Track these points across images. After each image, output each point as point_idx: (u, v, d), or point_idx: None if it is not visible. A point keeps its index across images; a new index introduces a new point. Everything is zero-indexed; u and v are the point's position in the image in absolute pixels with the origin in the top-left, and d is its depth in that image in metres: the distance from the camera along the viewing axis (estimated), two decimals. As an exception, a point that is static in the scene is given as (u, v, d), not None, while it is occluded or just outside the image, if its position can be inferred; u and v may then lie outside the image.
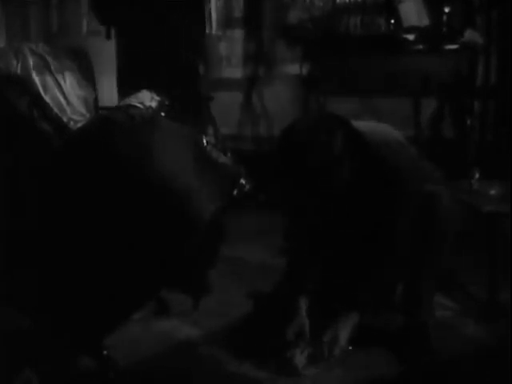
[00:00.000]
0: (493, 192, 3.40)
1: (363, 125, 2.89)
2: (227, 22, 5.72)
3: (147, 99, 3.37)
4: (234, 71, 5.91)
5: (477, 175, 3.45)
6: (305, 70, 5.07)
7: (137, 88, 3.49)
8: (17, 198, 3.15)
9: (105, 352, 2.79)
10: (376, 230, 2.82)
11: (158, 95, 3.40)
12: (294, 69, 5.33)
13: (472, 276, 3.57)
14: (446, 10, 4.92)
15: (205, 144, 3.14)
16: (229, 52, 5.90)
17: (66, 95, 4.57)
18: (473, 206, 3.32)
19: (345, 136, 2.71)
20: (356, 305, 2.89)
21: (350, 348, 2.87)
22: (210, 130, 4.98)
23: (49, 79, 4.52)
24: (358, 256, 2.89)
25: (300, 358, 2.77)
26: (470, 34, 4.80)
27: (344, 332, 2.86)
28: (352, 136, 2.75)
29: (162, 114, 3.38)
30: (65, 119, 4.45)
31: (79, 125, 4.28)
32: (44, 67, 4.52)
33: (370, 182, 2.77)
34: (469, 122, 4.94)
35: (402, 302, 2.97)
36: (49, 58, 4.58)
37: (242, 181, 3.10)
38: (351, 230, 2.86)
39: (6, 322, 2.95)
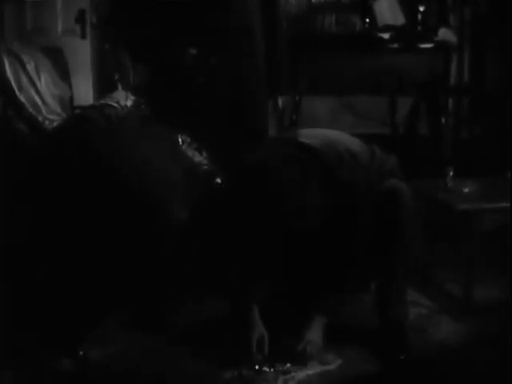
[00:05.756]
0: (466, 190, 3.42)
1: (314, 137, 2.87)
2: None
3: (122, 98, 3.36)
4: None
5: (451, 173, 3.47)
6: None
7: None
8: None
9: (81, 352, 2.79)
10: (338, 239, 2.82)
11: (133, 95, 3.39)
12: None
13: (449, 274, 3.59)
14: (421, 8, 4.95)
15: (180, 143, 3.14)
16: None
17: (41, 95, 4.55)
18: (447, 205, 3.34)
19: (311, 167, 2.73)
20: (322, 308, 2.89)
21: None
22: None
23: (24, 78, 4.50)
24: (322, 263, 2.89)
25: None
26: (443, 33, 4.83)
27: (318, 333, 2.86)
28: (316, 164, 2.75)
29: (138, 112, 3.37)
30: (40, 119, 4.43)
31: (55, 124, 4.27)
32: (19, 66, 4.51)
33: (327, 201, 2.76)
34: (443, 120, 4.97)
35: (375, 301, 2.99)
36: (24, 58, 4.56)
37: (218, 180, 3.10)
38: (313, 244, 2.85)
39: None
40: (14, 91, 4.40)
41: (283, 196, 2.66)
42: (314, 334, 2.84)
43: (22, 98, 4.43)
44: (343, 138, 2.98)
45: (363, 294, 3.07)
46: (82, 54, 5.34)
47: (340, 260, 2.83)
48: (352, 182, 2.79)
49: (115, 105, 3.28)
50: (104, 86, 4.99)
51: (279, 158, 2.74)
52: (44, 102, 4.56)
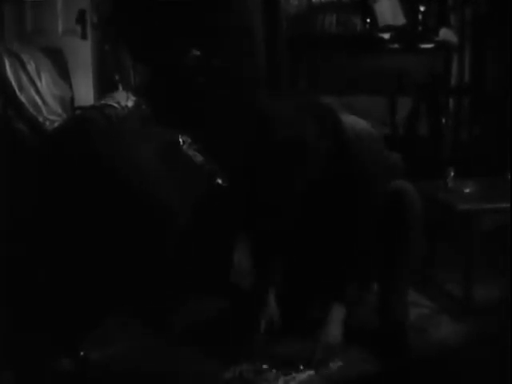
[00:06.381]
0: (467, 190, 3.42)
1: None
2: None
3: (123, 99, 3.36)
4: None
5: (451, 174, 3.47)
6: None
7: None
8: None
9: (81, 352, 2.80)
10: (343, 226, 2.81)
11: (133, 95, 3.40)
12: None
13: (449, 274, 3.59)
14: (422, 8, 4.95)
15: (181, 143, 3.14)
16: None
17: (41, 95, 4.55)
18: (447, 205, 3.34)
19: (334, 130, 2.66)
20: (341, 296, 2.87)
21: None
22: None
23: (24, 79, 4.50)
24: (326, 252, 2.89)
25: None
26: (444, 33, 4.83)
27: (338, 327, 2.85)
28: (339, 130, 2.70)
29: (138, 113, 3.37)
30: (41, 119, 4.43)
31: (55, 125, 4.27)
32: (19, 67, 4.50)
33: (340, 178, 2.74)
34: (444, 120, 4.97)
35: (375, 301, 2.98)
36: (24, 58, 4.55)
37: (218, 180, 3.10)
38: (318, 225, 2.84)
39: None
40: (14, 91, 4.39)
41: (296, 145, 2.58)
42: (334, 330, 2.83)
43: (23, 99, 4.43)
44: (360, 120, 2.96)
45: (364, 294, 3.07)
46: (82, 54, 5.33)
47: (341, 257, 2.83)
48: (369, 166, 2.77)
49: (116, 105, 3.29)
50: (104, 86, 4.99)
51: (295, 109, 2.67)
52: (44, 102, 4.55)
